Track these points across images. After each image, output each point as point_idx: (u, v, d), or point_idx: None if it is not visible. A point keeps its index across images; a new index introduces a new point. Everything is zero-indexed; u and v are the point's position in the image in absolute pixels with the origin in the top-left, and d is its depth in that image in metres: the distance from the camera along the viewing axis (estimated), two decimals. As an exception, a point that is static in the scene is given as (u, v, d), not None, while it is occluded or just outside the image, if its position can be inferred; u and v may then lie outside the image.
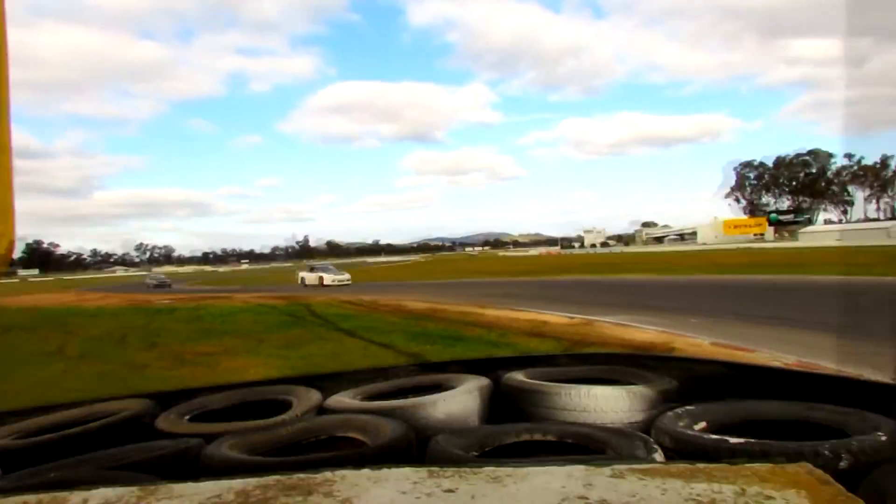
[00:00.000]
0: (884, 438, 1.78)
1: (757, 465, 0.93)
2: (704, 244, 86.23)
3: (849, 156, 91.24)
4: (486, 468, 0.97)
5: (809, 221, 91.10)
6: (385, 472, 0.96)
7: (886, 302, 14.27)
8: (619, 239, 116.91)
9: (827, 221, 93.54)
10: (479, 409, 2.50)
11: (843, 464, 1.64)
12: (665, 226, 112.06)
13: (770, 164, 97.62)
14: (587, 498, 0.84)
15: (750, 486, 0.87)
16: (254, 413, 2.56)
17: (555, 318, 13.07)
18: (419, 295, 21.74)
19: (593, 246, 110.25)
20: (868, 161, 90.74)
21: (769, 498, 0.83)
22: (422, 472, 0.97)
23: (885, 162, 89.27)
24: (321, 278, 34.81)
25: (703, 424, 2.12)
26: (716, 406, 2.28)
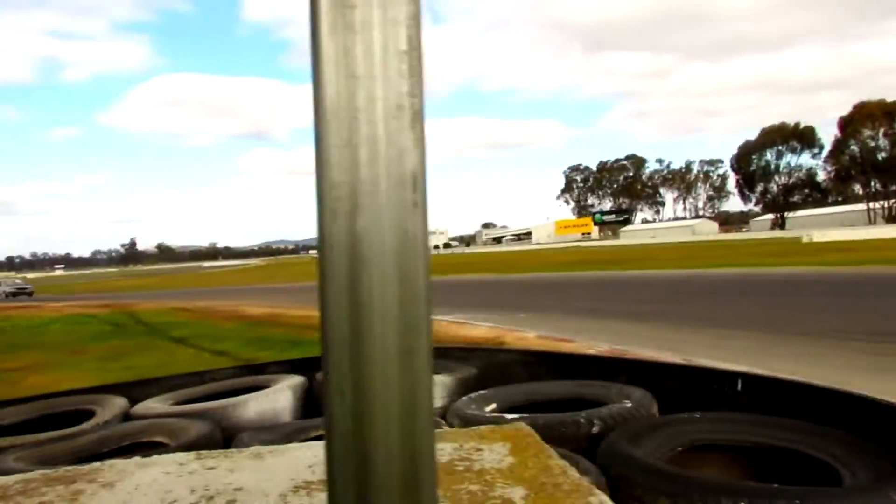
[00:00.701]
0: (629, 405, 2.14)
1: (483, 427, 1.14)
2: (538, 243, 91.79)
3: (659, 160, 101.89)
4: (252, 448, 1.08)
5: (629, 221, 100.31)
6: (155, 459, 1.04)
7: (688, 292, 16.19)
8: (462, 240, 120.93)
9: (644, 220, 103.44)
10: (291, 406, 2.58)
11: (595, 429, 1.95)
12: (503, 226, 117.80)
13: (595, 167, 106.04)
14: (314, 466, 0.99)
15: (468, 442, 1.06)
16: (53, 426, 2.45)
17: (395, 317, 13.32)
18: (258, 300, 21.07)
19: (436, 247, 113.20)
20: (675, 166, 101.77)
21: (478, 449, 1.03)
22: (190, 455, 1.05)
23: (688, 166, 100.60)
24: None
25: (493, 406, 2.38)
26: (507, 389, 2.56)
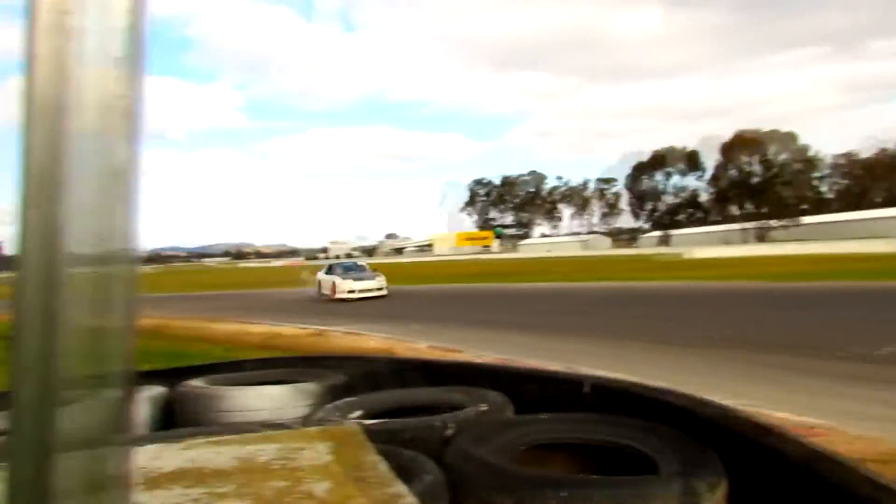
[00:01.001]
0: (484, 409, 2.22)
1: (312, 429, 1.18)
2: (440, 255, 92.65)
3: (559, 177, 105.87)
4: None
5: (527, 235, 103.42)
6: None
7: (580, 304, 16.87)
8: (365, 250, 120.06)
9: (542, 235, 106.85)
10: (149, 417, 2.49)
11: (448, 432, 2.01)
12: (406, 238, 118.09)
13: (498, 182, 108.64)
14: (146, 467, 0.98)
15: (293, 443, 1.09)
16: None
17: (289, 329, 13.04)
18: (145, 310, 19.97)
19: (337, 257, 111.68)
20: (573, 183, 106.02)
21: (301, 449, 1.06)
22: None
23: (585, 184, 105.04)
24: (333, 285, 21.51)
25: (358, 413, 2.40)
26: (375, 396, 2.59)
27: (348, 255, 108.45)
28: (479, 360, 6.78)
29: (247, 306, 20.32)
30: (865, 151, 72.35)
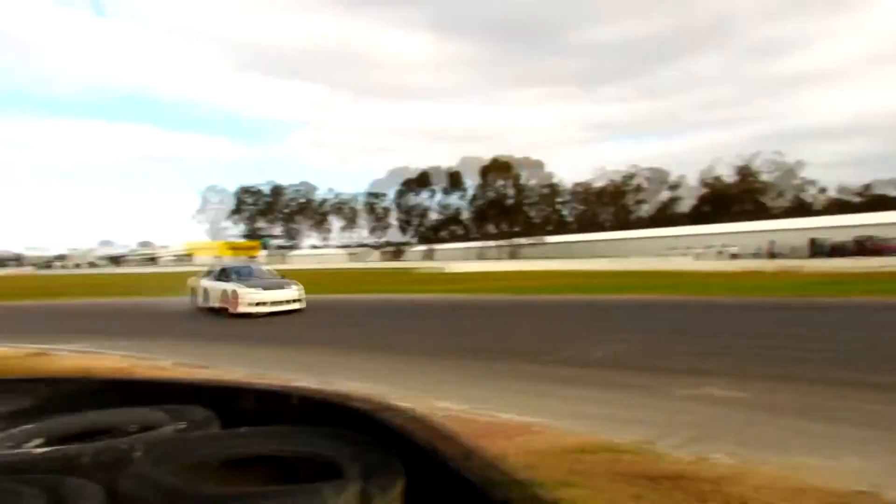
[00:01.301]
0: (182, 427, 2.12)
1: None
2: (203, 265, 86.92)
3: (330, 189, 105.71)
4: None
5: (297, 245, 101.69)
6: None
7: (336, 315, 16.96)
8: (112, 258, 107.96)
9: (312, 246, 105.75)
10: None
11: (137, 454, 1.88)
12: (163, 245, 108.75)
13: (268, 191, 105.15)
14: None
15: None
16: None
17: None
18: None
19: (77, 266, 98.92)
20: (345, 196, 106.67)
21: None
22: None
23: (355, 197, 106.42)
24: (234, 295, 15.86)
25: (38, 440, 2.14)
26: (63, 420, 2.34)
27: (91, 264, 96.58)
28: (188, 377, 6.50)
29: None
30: (597, 181, 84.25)
